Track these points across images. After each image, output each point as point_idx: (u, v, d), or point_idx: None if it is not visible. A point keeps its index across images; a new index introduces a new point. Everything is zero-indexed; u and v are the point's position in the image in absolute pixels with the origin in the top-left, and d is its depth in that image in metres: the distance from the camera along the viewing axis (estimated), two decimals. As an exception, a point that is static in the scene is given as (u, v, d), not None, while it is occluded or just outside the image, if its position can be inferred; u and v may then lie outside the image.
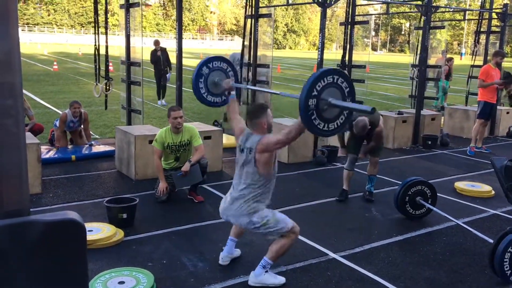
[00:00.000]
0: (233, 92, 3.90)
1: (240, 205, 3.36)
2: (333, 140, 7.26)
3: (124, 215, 4.38)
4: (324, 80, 2.86)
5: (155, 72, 12.33)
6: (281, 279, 3.48)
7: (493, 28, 10.52)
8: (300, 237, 4.27)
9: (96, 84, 7.57)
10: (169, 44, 12.67)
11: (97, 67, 7.36)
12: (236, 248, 3.86)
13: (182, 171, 5.10)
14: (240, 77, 8.94)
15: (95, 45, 7.26)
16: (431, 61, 12.23)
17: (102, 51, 7.32)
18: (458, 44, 75.89)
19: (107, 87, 7.55)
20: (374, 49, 79.07)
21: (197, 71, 3.99)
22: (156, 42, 12.42)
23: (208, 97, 4.08)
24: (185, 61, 7.60)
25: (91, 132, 7.71)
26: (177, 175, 5.12)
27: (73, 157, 6.70)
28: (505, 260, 3.53)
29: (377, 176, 5.65)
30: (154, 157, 5.23)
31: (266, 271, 3.43)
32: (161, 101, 12.40)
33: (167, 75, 12.37)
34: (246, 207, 3.35)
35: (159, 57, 12.06)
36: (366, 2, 20.15)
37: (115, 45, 7.90)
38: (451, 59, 13.67)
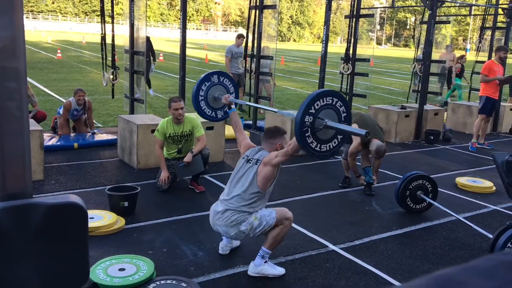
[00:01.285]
0: (233, 106, 4.01)
1: (229, 216, 3.42)
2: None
3: (126, 204, 4.41)
4: (323, 100, 2.89)
5: None
6: (281, 270, 3.50)
7: (499, 24, 10.45)
8: (300, 229, 4.30)
9: (104, 73, 7.56)
10: (173, 34, 12.55)
11: (104, 56, 7.35)
12: (236, 238, 3.89)
13: (184, 162, 5.12)
14: (244, 68, 8.95)
15: (102, 34, 7.24)
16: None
17: (108, 40, 7.31)
18: (463, 40, 75.49)
19: (114, 77, 7.54)
20: (378, 43, 78.71)
21: (205, 76, 4.10)
22: None
23: (202, 103, 4.13)
24: (188, 52, 7.59)
25: (93, 121, 7.73)
26: (179, 166, 5.15)
27: (76, 145, 6.72)
28: (504, 255, 3.54)
29: (379, 170, 5.68)
30: (156, 146, 5.24)
31: (266, 261, 3.45)
32: (152, 91, 11.76)
33: (151, 67, 11.41)
34: (234, 218, 3.41)
35: None
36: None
37: (119, 34, 7.88)
38: (463, 57, 13.58)
